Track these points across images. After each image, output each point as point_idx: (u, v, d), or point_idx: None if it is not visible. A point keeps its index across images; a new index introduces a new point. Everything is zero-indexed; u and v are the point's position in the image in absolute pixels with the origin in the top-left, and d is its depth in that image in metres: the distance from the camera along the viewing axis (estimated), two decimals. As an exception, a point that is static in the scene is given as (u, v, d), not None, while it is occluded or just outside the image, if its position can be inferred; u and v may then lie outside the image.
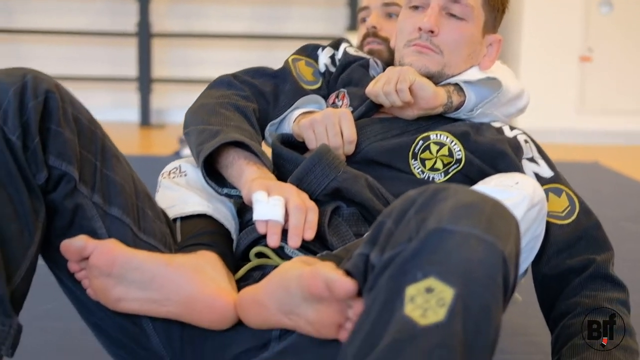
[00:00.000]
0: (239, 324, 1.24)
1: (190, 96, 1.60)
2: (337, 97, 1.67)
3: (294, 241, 1.29)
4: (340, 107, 1.63)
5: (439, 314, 0.90)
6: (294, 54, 1.78)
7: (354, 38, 1.89)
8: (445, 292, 0.90)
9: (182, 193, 1.47)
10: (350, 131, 1.49)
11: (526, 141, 1.57)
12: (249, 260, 1.37)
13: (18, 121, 1.16)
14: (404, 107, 1.54)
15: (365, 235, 1.11)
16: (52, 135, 1.21)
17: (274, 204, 1.30)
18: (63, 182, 1.23)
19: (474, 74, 1.59)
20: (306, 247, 1.34)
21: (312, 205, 1.34)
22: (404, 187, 1.17)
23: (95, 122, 1.30)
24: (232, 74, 1.67)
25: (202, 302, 1.22)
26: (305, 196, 1.36)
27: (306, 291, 1.10)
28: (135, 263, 1.22)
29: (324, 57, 1.77)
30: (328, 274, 1.06)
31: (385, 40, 1.86)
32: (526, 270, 1.51)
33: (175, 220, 1.43)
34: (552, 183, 1.53)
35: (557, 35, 6.15)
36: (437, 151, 1.51)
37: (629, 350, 1.37)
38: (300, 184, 1.40)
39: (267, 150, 1.53)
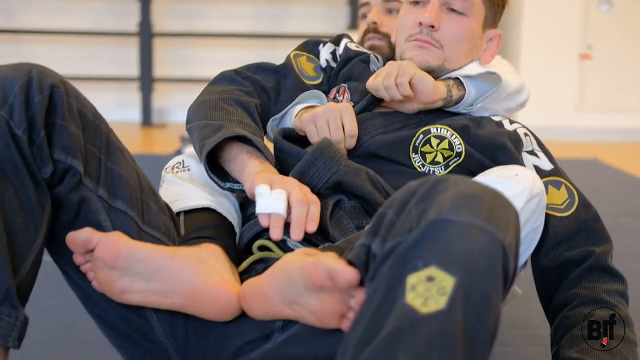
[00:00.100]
0: (243, 316, 1.25)
1: (191, 95, 1.61)
2: (337, 92, 1.68)
3: (296, 234, 1.30)
4: (341, 101, 1.64)
5: (439, 302, 0.91)
6: (295, 49, 1.79)
7: (355, 36, 1.90)
8: (446, 281, 0.91)
9: (185, 187, 1.48)
10: (351, 125, 1.50)
11: (526, 134, 1.59)
12: (252, 254, 1.38)
13: (24, 116, 1.17)
14: (404, 101, 1.55)
15: (366, 227, 1.13)
16: (58, 129, 1.22)
17: (277, 198, 1.31)
18: (68, 176, 1.24)
19: (474, 68, 1.60)
20: (308, 240, 1.35)
21: (314, 198, 1.35)
22: (404, 181, 1.18)
23: (100, 117, 1.32)
24: (234, 70, 1.69)
25: (206, 293, 1.24)
26: (307, 190, 1.37)
27: (309, 281, 1.12)
28: (139, 255, 1.23)
29: (325, 53, 1.78)
30: (330, 264, 1.08)
31: (386, 36, 1.87)
32: (526, 262, 1.52)
33: (178, 214, 1.44)
34: (552, 176, 1.54)
35: (556, 33, 6.16)
36: (438, 145, 1.52)
37: (628, 341, 1.38)
38: (302, 178, 1.41)
39: (269, 145, 1.54)
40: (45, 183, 1.22)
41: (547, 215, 1.47)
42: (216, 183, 1.46)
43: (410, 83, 1.51)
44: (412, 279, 0.93)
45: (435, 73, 1.59)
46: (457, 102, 1.57)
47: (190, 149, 1.54)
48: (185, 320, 1.28)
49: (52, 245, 1.29)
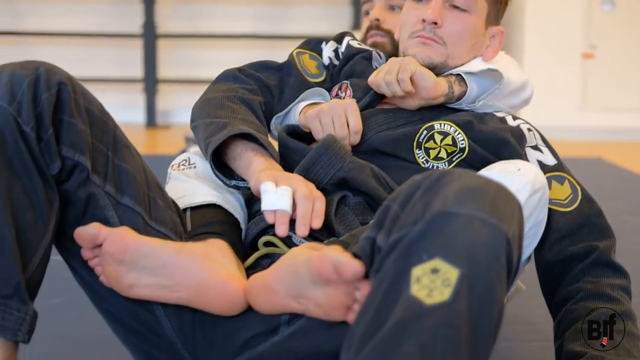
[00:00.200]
0: (249, 310, 1.26)
1: (195, 96, 1.62)
2: (339, 89, 1.69)
3: (301, 230, 1.31)
4: (344, 98, 1.65)
5: (444, 293, 0.92)
6: (298, 47, 1.80)
7: (358, 36, 1.91)
8: (451, 273, 0.92)
9: (191, 184, 1.49)
10: (356, 121, 1.51)
11: (529, 129, 1.59)
12: (258, 250, 1.39)
13: (32, 113, 1.19)
14: (406, 97, 1.56)
15: (371, 220, 1.14)
16: (65, 126, 1.23)
17: (282, 194, 1.32)
18: (76, 172, 1.25)
19: (476, 65, 1.61)
20: (313, 236, 1.36)
21: (319, 194, 1.36)
22: (408, 176, 1.19)
23: (106, 114, 1.33)
24: (238, 68, 1.69)
25: (213, 288, 1.24)
26: (312, 186, 1.38)
27: (315, 274, 1.12)
28: (146, 250, 1.24)
29: (327, 51, 1.79)
30: (336, 257, 1.08)
31: (389, 33, 1.88)
32: (529, 257, 1.53)
33: (185, 210, 1.45)
34: (556, 171, 1.55)
35: (559, 32, 6.16)
36: (441, 141, 1.53)
37: (631, 335, 1.39)
38: (307, 174, 1.42)
39: (273, 143, 1.55)
40: (54, 179, 1.23)
41: (550, 210, 1.48)
42: (222, 181, 1.47)
43: (411, 79, 1.52)
44: (417, 271, 0.94)
45: (438, 69, 1.60)
46: (459, 98, 1.58)
47: (195, 150, 1.55)
48: (193, 314, 1.29)
49: (60, 241, 1.30)
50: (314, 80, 1.73)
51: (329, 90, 1.72)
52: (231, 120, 1.48)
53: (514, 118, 1.62)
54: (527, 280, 1.83)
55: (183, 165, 1.57)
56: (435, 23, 1.58)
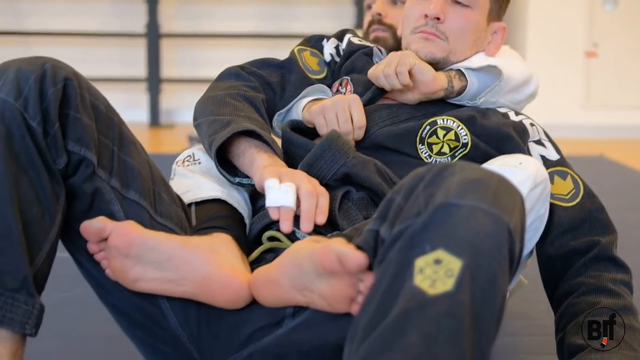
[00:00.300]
0: (254, 303, 1.27)
1: (198, 96, 1.62)
2: (340, 84, 1.70)
3: (306, 226, 1.32)
4: (345, 94, 1.66)
5: (447, 284, 0.92)
6: (299, 44, 1.80)
7: (360, 34, 1.91)
8: (453, 264, 0.93)
9: (196, 179, 1.50)
10: (360, 117, 1.52)
11: (532, 124, 1.60)
12: (262, 245, 1.39)
13: (38, 108, 1.20)
14: (405, 90, 1.57)
15: (375, 212, 1.15)
16: (71, 121, 1.24)
17: (286, 191, 1.33)
18: (82, 167, 1.26)
19: (477, 60, 1.61)
20: (318, 232, 1.36)
21: (322, 190, 1.37)
22: (411, 171, 1.20)
23: (112, 109, 1.34)
24: (239, 66, 1.70)
25: (217, 282, 1.25)
26: (315, 182, 1.38)
27: (319, 266, 1.13)
28: (152, 244, 1.25)
29: (329, 48, 1.80)
30: (340, 249, 1.09)
31: (391, 28, 1.88)
32: (531, 252, 1.54)
33: (190, 205, 1.46)
34: (558, 166, 1.56)
35: (562, 31, 6.17)
36: (444, 136, 1.54)
37: (632, 329, 1.40)
38: (310, 170, 1.43)
39: (276, 140, 1.56)
40: (60, 174, 1.24)
41: (552, 205, 1.49)
42: (225, 178, 1.48)
43: (410, 73, 1.53)
44: (420, 262, 0.95)
45: (440, 65, 1.60)
46: (459, 93, 1.59)
47: (199, 147, 1.56)
48: (198, 308, 1.30)
49: (67, 235, 1.31)
50: (315, 77, 1.74)
51: (330, 87, 1.73)
52: (234, 117, 1.49)
53: (517, 114, 1.62)
54: (529, 276, 1.84)
55: (188, 161, 1.57)
56: (438, 18, 1.58)
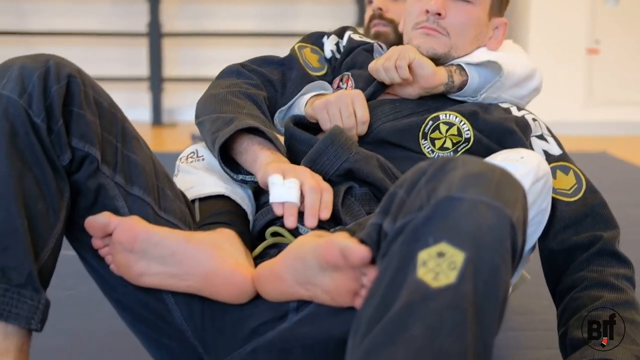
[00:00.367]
0: (258, 298, 1.27)
1: (200, 94, 1.63)
2: (341, 80, 1.71)
3: (310, 221, 1.32)
4: (346, 89, 1.66)
5: (450, 276, 0.93)
6: (299, 41, 1.81)
7: (361, 31, 1.92)
8: (456, 256, 0.93)
9: (200, 175, 1.50)
10: (363, 112, 1.52)
11: (534, 119, 1.61)
12: (265, 240, 1.40)
13: (42, 104, 1.20)
14: (405, 85, 1.58)
15: (378, 207, 1.15)
16: (75, 117, 1.24)
17: (290, 186, 1.33)
18: (86, 163, 1.26)
19: (478, 55, 1.62)
20: (321, 227, 1.36)
21: (326, 186, 1.37)
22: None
23: (115, 106, 1.35)
24: (240, 63, 1.70)
25: (221, 277, 1.26)
26: (319, 178, 1.39)
27: (322, 260, 1.13)
28: (156, 239, 1.26)
29: (329, 44, 1.80)
30: (343, 242, 1.09)
31: (391, 22, 1.88)
32: (533, 247, 1.54)
33: (193, 201, 1.46)
34: (561, 161, 1.56)
35: (563, 28, 6.17)
36: (447, 131, 1.54)
37: (635, 323, 1.41)
38: (313, 166, 1.43)
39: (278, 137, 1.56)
40: (64, 170, 1.24)
41: (554, 199, 1.49)
42: (229, 175, 1.48)
43: (410, 67, 1.54)
44: (423, 255, 0.95)
45: (441, 60, 1.61)
46: (460, 88, 1.59)
47: (202, 144, 1.56)
48: (202, 303, 1.30)
49: (71, 231, 1.31)
50: (316, 73, 1.74)
51: (331, 83, 1.73)
52: (237, 115, 1.49)
53: (519, 109, 1.63)
54: (532, 271, 1.84)
55: (191, 157, 1.58)
56: (439, 14, 1.59)
